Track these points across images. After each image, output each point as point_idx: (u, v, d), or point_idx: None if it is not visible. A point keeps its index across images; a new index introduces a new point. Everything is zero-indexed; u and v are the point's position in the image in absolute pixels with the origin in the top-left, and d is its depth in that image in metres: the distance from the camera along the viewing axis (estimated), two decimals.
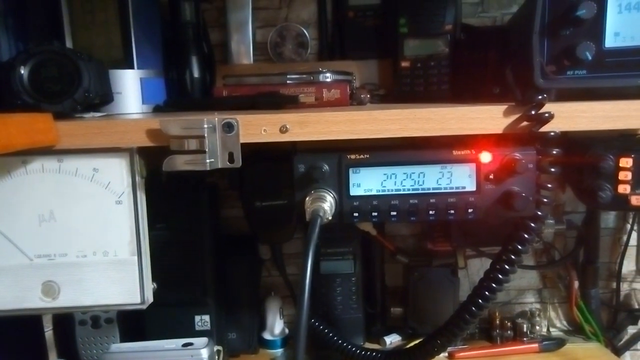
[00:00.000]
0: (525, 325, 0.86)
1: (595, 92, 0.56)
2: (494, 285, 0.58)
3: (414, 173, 0.52)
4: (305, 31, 0.83)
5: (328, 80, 0.70)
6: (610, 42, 0.53)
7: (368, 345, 0.86)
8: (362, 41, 0.81)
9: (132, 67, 0.68)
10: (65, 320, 0.79)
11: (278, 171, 0.74)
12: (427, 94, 0.74)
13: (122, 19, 0.67)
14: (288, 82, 0.70)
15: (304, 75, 0.70)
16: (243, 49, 0.82)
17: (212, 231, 0.77)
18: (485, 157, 0.52)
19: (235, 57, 0.83)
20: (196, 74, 0.75)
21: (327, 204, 0.50)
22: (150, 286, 0.58)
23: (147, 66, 0.70)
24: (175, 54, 0.75)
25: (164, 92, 0.74)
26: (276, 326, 0.87)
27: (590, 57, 0.52)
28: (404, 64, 0.74)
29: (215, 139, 0.51)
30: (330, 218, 0.50)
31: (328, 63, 0.82)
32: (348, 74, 0.74)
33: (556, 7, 0.53)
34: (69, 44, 0.67)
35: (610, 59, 0.53)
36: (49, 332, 0.80)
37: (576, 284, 0.89)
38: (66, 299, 0.55)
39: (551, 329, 0.92)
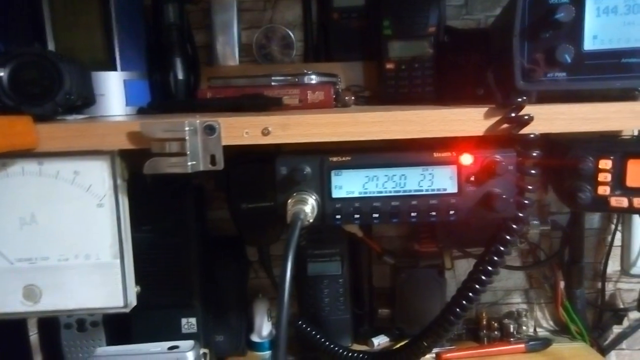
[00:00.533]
0: (512, 326, 0.87)
1: (576, 94, 0.56)
2: (477, 286, 0.59)
3: (395, 175, 0.52)
4: (290, 33, 0.83)
5: (313, 82, 0.70)
6: (589, 44, 0.54)
7: (356, 346, 0.86)
8: (347, 43, 0.81)
9: (115, 69, 0.68)
10: (50, 323, 0.78)
11: (264, 173, 0.74)
12: (411, 96, 0.75)
13: (104, 21, 0.67)
14: (273, 83, 0.70)
15: (289, 77, 0.70)
16: (228, 51, 0.82)
17: (199, 233, 0.77)
18: (466, 159, 0.52)
19: (221, 59, 0.83)
20: (180, 76, 0.75)
21: (309, 206, 0.50)
22: (133, 289, 0.58)
23: (131, 68, 0.70)
24: (160, 56, 0.75)
25: (148, 94, 0.74)
26: (264, 328, 0.87)
27: (569, 60, 0.52)
28: (389, 65, 0.75)
29: (196, 142, 0.51)
30: (311, 220, 0.50)
31: (313, 65, 0.82)
32: (333, 76, 0.74)
33: (536, 10, 0.53)
34: (51, 45, 0.66)
35: (589, 62, 0.54)
36: (34, 336, 0.79)
37: (562, 284, 0.89)
38: (48, 303, 0.55)
39: (538, 329, 0.92)
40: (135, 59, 0.71)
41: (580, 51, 0.54)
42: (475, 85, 0.72)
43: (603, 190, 0.55)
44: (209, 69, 0.81)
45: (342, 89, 0.78)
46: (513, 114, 0.50)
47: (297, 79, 0.70)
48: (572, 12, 0.52)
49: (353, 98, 0.71)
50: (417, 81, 0.74)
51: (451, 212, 0.53)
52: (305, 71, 0.70)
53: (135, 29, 0.71)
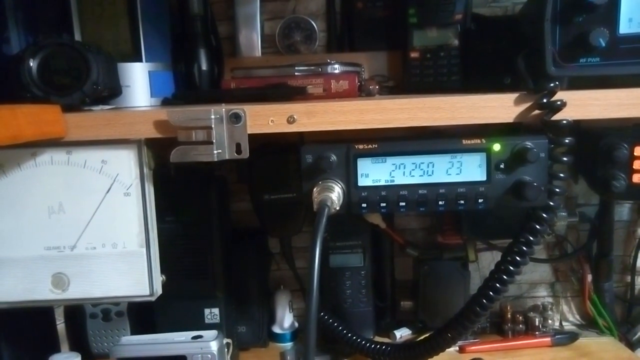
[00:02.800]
0: (537, 319, 0.85)
1: (608, 80, 0.54)
2: (504, 277, 0.58)
3: (423, 163, 0.51)
4: (313, 23, 0.83)
5: (336, 71, 0.69)
6: (624, 28, 0.52)
7: (378, 339, 0.86)
8: (371, 32, 0.81)
9: (140, 61, 0.68)
10: (76, 313, 0.79)
11: (287, 164, 0.74)
12: (436, 85, 0.74)
13: (130, 12, 0.67)
14: (296, 73, 0.69)
15: (312, 67, 0.70)
16: (251, 42, 0.82)
17: (221, 225, 0.77)
18: (496, 146, 0.51)
19: (244, 50, 0.82)
20: (204, 67, 0.75)
21: (335, 194, 0.49)
22: (159, 278, 0.58)
23: (156, 59, 0.70)
24: (184, 47, 0.75)
25: (173, 85, 0.74)
26: (285, 320, 0.87)
27: (603, 44, 0.51)
28: (413, 54, 0.74)
29: (222, 130, 0.51)
30: (337, 208, 0.49)
31: (336, 55, 0.82)
32: (356, 66, 0.73)
33: None
34: (77, 37, 0.67)
35: (624, 46, 0.52)
36: (60, 325, 0.80)
37: (589, 277, 0.87)
38: (76, 291, 0.56)
39: (564, 323, 0.90)
40: (160, 50, 0.71)
41: (615, 35, 0.52)
42: (503, 74, 0.71)
43: (638, 178, 0.53)
44: (233, 60, 0.81)
45: (366, 78, 0.77)
46: (545, 100, 0.49)
47: (320, 69, 0.69)
48: None
49: (377, 87, 0.71)
50: (443, 70, 0.73)
51: (480, 201, 0.51)
52: (329, 60, 0.70)
53: (160, 20, 0.71)
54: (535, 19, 0.55)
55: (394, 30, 0.78)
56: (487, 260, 0.89)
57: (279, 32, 0.83)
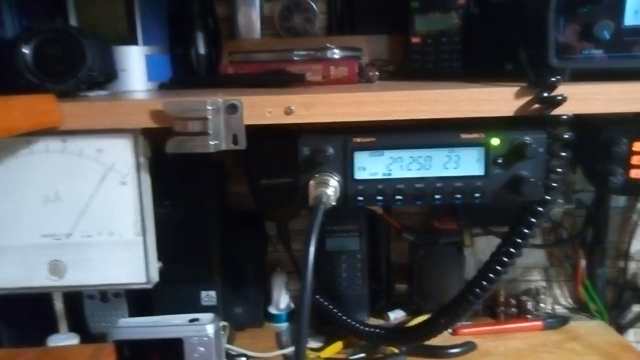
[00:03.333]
0: (529, 303, 0.86)
1: (612, 73, 0.54)
2: (498, 267, 0.58)
3: (420, 157, 0.51)
4: (313, 5, 0.81)
5: (336, 56, 0.68)
6: (630, 19, 0.51)
7: (372, 320, 0.87)
8: (372, 15, 0.79)
9: (136, 44, 0.67)
10: (74, 294, 0.80)
11: (284, 149, 0.73)
12: (438, 71, 0.73)
13: None
14: (295, 58, 0.68)
15: (312, 52, 0.69)
16: (250, 23, 0.81)
17: (218, 208, 0.77)
18: (495, 140, 0.51)
19: (243, 32, 0.81)
20: (202, 51, 0.74)
21: (331, 188, 0.49)
22: (155, 265, 0.59)
23: (152, 42, 0.69)
24: (181, 30, 0.74)
25: (170, 69, 0.73)
26: (281, 301, 0.88)
27: (608, 36, 0.50)
28: (415, 39, 0.72)
29: (219, 121, 0.50)
30: (334, 203, 0.49)
31: (336, 38, 0.80)
32: (356, 50, 0.72)
33: None
34: (72, 19, 0.65)
35: (629, 38, 0.52)
36: (59, 305, 0.81)
37: (583, 262, 0.88)
38: (73, 278, 0.56)
39: (556, 307, 0.92)
40: (156, 33, 0.70)
41: (620, 27, 0.51)
42: (505, 60, 0.70)
43: (636, 173, 0.53)
44: (231, 43, 0.80)
45: (366, 63, 0.76)
46: (545, 94, 0.48)
47: (319, 54, 0.68)
48: None
49: (377, 73, 0.70)
50: (444, 56, 0.72)
51: (477, 195, 0.51)
52: (328, 45, 0.69)
53: (157, 3, 0.70)
54: (539, 7, 0.53)
55: (395, 13, 0.76)
56: (482, 245, 0.90)
57: (279, 14, 0.81)
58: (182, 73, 0.74)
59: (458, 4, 0.70)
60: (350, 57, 0.69)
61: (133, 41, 0.67)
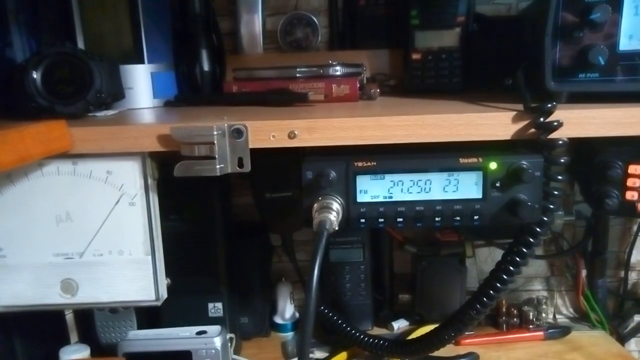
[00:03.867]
0: (531, 313, 0.87)
1: (608, 95, 0.55)
2: (498, 285, 0.59)
3: (420, 180, 0.52)
4: (315, 19, 0.82)
5: (337, 73, 0.69)
6: (624, 45, 0.52)
7: (376, 329, 0.88)
8: (373, 30, 0.81)
9: (142, 62, 0.69)
10: None
11: (287, 164, 0.74)
12: (438, 86, 0.74)
13: (132, 13, 0.67)
14: (297, 75, 0.70)
15: (314, 69, 0.70)
16: (253, 38, 0.82)
17: (224, 220, 0.78)
18: (492, 164, 0.52)
19: (246, 46, 0.82)
20: (206, 67, 0.75)
21: (334, 213, 0.50)
22: (164, 282, 0.61)
23: (158, 60, 0.70)
24: (185, 47, 0.75)
25: (175, 85, 0.75)
26: (287, 310, 0.90)
27: (602, 62, 0.51)
28: (415, 56, 0.74)
29: (224, 145, 0.52)
30: (336, 228, 0.50)
31: (338, 53, 0.82)
32: (358, 67, 0.73)
33: (570, 9, 0.52)
34: (79, 39, 0.67)
35: (624, 62, 0.53)
36: (69, 316, 0.83)
37: (584, 273, 0.89)
38: (84, 296, 0.58)
39: (557, 316, 0.93)
40: (161, 51, 0.71)
41: (615, 51, 0.52)
42: (504, 74, 0.71)
43: (631, 195, 0.54)
44: (234, 58, 0.81)
45: (367, 77, 0.77)
46: (542, 120, 0.49)
47: (322, 71, 0.69)
48: (608, 12, 0.51)
49: (378, 90, 0.71)
50: (444, 72, 0.73)
51: (475, 218, 0.53)
52: (330, 62, 0.70)
53: (162, 21, 0.72)
54: (536, 31, 0.55)
55: (396, 29, 0.77)
56: (484, 255, 0.91)
57: (281, 28, 0.83)
58: (187, 89, 0.76)
59: (457, 21, 0.72)
60: (352, 74, 0.70)
61: (139, 59, 0.68)
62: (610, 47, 0.52)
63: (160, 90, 0.71)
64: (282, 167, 0.75)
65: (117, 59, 0.65)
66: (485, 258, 0.91)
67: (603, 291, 0.89)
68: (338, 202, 0.52)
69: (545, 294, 0.92)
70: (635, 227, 0.89)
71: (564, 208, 0.83)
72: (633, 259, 0.90)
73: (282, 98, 0.64)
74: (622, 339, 0.89)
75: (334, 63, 0.70)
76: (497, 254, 0.88)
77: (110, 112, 0.63)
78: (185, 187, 0.74)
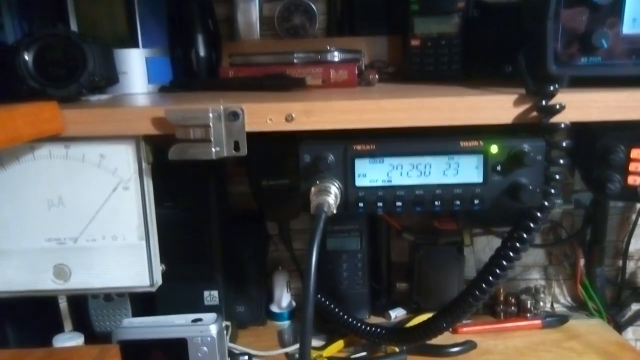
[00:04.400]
0: (529, 302, 0.87)
1: (611, 79, 0.54)
2: (497, 271, 0.59)
3: (420, 164, 0.52)
4: (313, 6, 0.81)
5: (336, 59, 0.68)
6: (628, 28, 0.51)
7: (373, 318, 0.88)
8: (372, 17, 0.79)
9: (137, 46, 0.67)
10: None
11: (284, 151, 0.74)
12: (437, 73, 0.73)
13: None
14: (295, 61, 0.68)
15: (311, 54, 0.69)
16: (250, 24, 0.81)
17: (220, 208, 0.77)
18: (493, 148, 0.51)
19: (242, 33, 0.81)
20: (202, 53, 0.74)
21: (332, 196, 0.50)
22: (159, 269, 0.60)
23: (152, 45, 0.69)
24: (181, 32, 0.74)
25: (170, 71, 0.74)
26: (283, 299, 0.89)
27: (606, 45, 0.50)
28: (414, 42, 0.73)
29: (220, 128, 0.51)
30: (334, 211, 0.50)
31: (336, 39, 0.81)
32: (356, 52, 0.72)
33: None
34: (73, 22, 0.66)
35: (627, 46, 0.52)
36: (63, 304, 0.82)
37: (582, 261, 0.89)
38: (77, 282, 0.57)
39: (555, 305, 0.93)
40: (156, 36, 0.70)
41: (618, 35, 0.51)
42: (504, 62, 0.70)
43: (633, 180, 0.53)
44: (231, 44, 0.80)
45: (365, 64, 0.76)
46: (544, 103, 0.49)
47: (319, 56, 0.68)
48: None
49: (377, 76, 0.70)
50: (443, 59, 0.72)
51: (475, 202, 0.52)
52: (328, 48, 0.69)
53: (157, 4, 0.70)
54: (538, 15, 0.54)
55: (395, 15, 0.76)
56: (482, 244, 0.91)
57: (278, 15, 0.81)
58: (182, 75, 0.75)
59: (457, 7, 0.71)
60: (350, 60, 0.69)
61: (133, 44, 0.67)
62: (613, 30, 0.51)
63: (155, 76, 0.70)
64: (279, 154, 0.74)
65: (111, 42, 0.64)
66: (484, 247, 0.90)
67: (601, 280, 0.89)
68: (336, 186, 0.51)
69: (543, 282, 0.92)
70: (634, 216, 0.88)
71: (563, 196, 0.83)
72: (631, 248, 0.90)
73: (279, 83, 0.63)
74: (620, 328, 0.89)
75: (332, 49, 0.69)
76: (495, 242, 0.88)
77: (103, 97, 0.62)
78: (181, 173, 0.73)
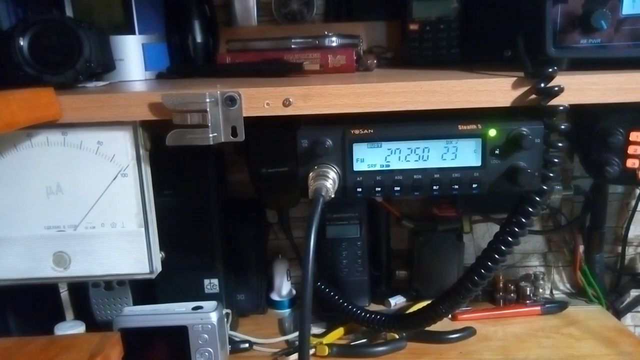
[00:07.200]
0: (528, 289, 0.87)
1: (611, 61, 0.53)
2: (496, 256, 0.59)
3: (418, 148, 0.51)
4: None
5: (333, 44, 0.68)
6: (628, 9, 0.51)
7: (373, 305, 0.88)
8: (370, 1, 0.79)
9: (133, 33, 0.67)
10: (79, 282, 0.81)
11: (284, 138, 0.73)
12: (436, 58, 0.73)
13: None
14: (292, 46, 0.68)
15: (309, 40, 0.68)
16: (247, 10, 0.80)
17: (219, 196, 0.77)
18: (492, 131, 0.51)
19: (239, 19, 0.81)
20: (199, 39, 0.74)
21: (330, 181, 0.49)
22: (158, 256, 0.60)
23: (149, 31, 0.69)
24: (177, 18, 0.74)
25: (167, 57, 0.73)
26: (283, 287, 0.89)
27: (605, 26, 0.50)
28: (412, 26, 0.72)
29: (217, 113, 0.51)
30: (332, 196, 0.49)
31: (334, 25, 0.80)
32: (354, 38, 0.72)
33: None
34: (68, 8, 0.65)
35: (627, 27, 0.51)
36: (64, 293, 0.82)
37: (581, 248, 0.89)
38: (77, 269, 0.57)
39: (554, 292, 0.93)
40: (153, 22, 0.70)
41: (617, 16, 0.51)
42: (503, 46, 0.69)
43: (632, 163, 0.53)
44: (228, 30, 0.79)
45: (363, 50, 0.75)
46: (543, 85, 0.48)
47: (317, 42, 0.68)
48: None
49: (375, 61, 0.69)
50: (442, 43, 0.72)
51: (474, 186, 0.52)
52: (326, 33, 0.68)
53: None
54: None
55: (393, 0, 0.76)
56: (481, 231, 0.91)
57: (276, 0, 0.81)
58: (179, 61, 0.74)
59: None
60: (348, 45, 0.69)
61: (130, 30, 0.66)
62: (613, 11, 0.50)
63: (152, 62, 0.69)
64: (278, 141, 0.74)
65: (107, 29, 0.63)
66: (483, 234, 0.90)
67: (600, 266, 0.89)
68: (334, 171, 0.51)
69: (542, 269, 0.92)
70: (633, 202, 0.88)
71: (562, 183, 0.82)
72: (630, 234, 0.90)
73: (276, 68, 0.63)
74: (619, 314, 0.89)
75: (330, 34, 0.68)
76: (495, 229, 0.86)
77: (100, 84, 0.62)
78: (180, 162, 0.73)
